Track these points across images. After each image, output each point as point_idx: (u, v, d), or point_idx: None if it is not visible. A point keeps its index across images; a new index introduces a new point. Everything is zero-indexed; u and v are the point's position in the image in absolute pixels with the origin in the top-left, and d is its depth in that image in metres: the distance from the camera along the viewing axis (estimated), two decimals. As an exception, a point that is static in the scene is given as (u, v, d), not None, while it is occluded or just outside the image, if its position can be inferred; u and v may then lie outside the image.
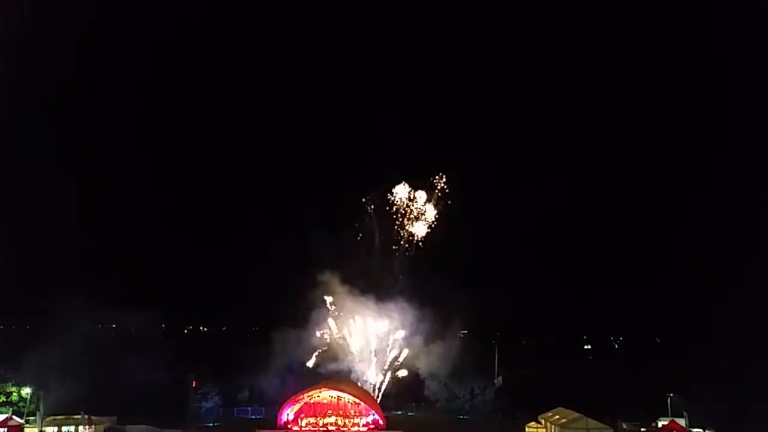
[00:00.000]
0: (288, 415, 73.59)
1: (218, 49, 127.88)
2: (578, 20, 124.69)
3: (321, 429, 71.16)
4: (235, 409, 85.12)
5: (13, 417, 68.53)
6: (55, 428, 68.56)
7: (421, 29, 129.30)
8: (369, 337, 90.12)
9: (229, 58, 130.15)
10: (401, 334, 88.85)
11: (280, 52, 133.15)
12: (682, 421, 68.34)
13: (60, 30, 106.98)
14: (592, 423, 67.45)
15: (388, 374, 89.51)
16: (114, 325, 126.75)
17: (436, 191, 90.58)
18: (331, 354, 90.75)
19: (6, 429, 66.33)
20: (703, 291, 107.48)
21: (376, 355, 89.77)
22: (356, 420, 73.50)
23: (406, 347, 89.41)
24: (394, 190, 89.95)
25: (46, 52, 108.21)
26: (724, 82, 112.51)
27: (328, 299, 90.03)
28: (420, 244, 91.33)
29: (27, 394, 74.02)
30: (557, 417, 70.96)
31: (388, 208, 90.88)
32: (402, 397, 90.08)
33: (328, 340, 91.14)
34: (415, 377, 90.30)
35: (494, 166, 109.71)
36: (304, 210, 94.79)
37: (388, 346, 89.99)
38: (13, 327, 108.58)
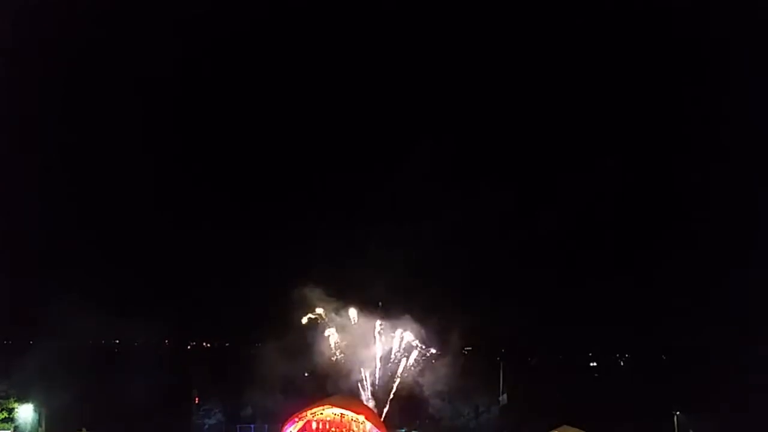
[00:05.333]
0: (291, 432, 73.21)
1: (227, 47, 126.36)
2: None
3: (324, 446, 70.77)
4: (238, 426, 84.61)
5: (16, 433, 68.39)
6: (57, 445, 68.29)
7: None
8: (373, 353, 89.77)
9: (238, 62, 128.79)
10: (406, 349, 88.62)
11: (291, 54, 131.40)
12: (688, 440, 67.76)
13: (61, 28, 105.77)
14: (598, 441, 66.97)
15: (392, 392, 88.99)
16: (117, 341, 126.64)
17: None
18: (334, 371, 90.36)
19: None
20: (711, 307, 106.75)
21: (380, 372, 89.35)
22: (360, 438, 73.07)
23: (410, 364, 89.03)
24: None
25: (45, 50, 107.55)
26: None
27: (332, 315, 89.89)
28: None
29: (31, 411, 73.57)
30: (563, 435, 70.40)
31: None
32: (406, 414, 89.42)
33: (331, 357, 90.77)
34: (418, 394, 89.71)
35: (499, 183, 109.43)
36: (308, 224, 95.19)
37: (392, 362, 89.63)
38: (10, 342, 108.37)
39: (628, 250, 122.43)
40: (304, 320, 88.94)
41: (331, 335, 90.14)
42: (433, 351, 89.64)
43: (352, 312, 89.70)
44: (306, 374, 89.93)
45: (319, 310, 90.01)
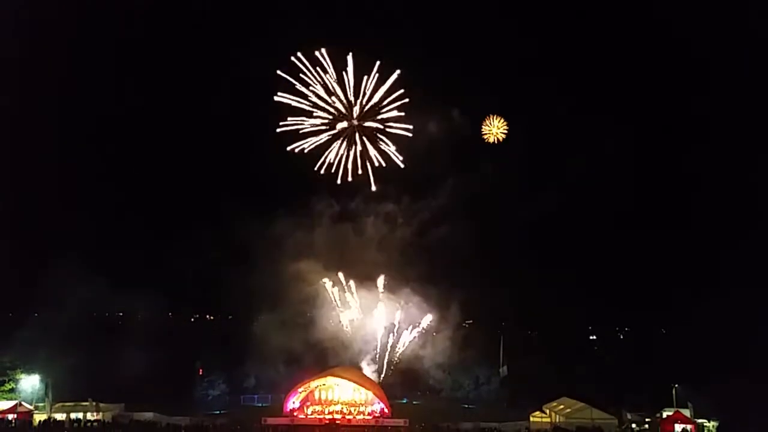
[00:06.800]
0: (294, 402, 74.17)
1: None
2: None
3: (327, 417, 71.63)
4: (242, 396, 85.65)
5: (23, 403, 69.24)
6: (64, 414, 69.10)
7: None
8: (374, 325, 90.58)
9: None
10: (407, 321, 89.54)
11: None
12: (687, 412, 68.31)
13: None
14: (597, 413, 67.70)
15: (393, 363, 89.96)
16: (121, 314, 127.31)
17: None
18: (337, 342, 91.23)
19: (15, 415, 67.06)
20: (710, 281, 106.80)
21: (381, 344, 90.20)
22: (362, 408, 73.98)
23: (411, 336, 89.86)
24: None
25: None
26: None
27: (334, 287, 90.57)
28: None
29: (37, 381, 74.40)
30: (562, 407, 71.21)
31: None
32: (407, 386, 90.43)
33: (334, 328, 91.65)
34: (419, 366, 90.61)
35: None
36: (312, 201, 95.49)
37: (393, 334, 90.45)
38: (15, 314, 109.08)
39: (629, 225, 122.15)
40: (313, 292, 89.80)
41: (333, 308, 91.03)
42: (434, 323, 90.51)
43: (353, 285, 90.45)
44: (308, 346, 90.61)
45: (322, 283, 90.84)
